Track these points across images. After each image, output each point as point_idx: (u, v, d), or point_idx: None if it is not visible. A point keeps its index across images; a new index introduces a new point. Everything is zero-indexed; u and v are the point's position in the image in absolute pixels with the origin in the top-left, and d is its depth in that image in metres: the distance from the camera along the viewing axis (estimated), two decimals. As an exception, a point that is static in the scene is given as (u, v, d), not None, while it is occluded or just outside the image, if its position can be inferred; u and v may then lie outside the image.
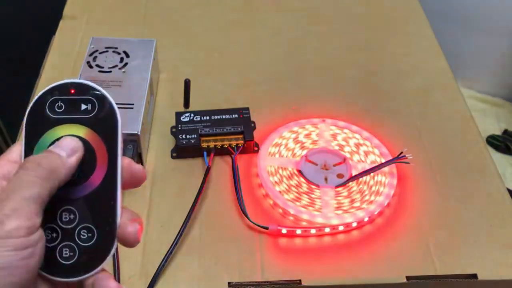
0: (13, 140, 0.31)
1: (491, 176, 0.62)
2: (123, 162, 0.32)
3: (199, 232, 0.56)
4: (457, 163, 0.64)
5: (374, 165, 0.60)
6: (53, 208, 0.31)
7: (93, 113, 0.33)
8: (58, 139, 0.32)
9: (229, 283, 0.51)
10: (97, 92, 0.33)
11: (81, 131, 0.32)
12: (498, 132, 1.30)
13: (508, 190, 0.61)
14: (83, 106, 0.33)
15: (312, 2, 0.88)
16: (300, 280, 0.51)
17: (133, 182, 0.33)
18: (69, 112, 0.32)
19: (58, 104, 0.32)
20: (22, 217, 0.28)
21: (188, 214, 0.56)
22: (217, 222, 0.57)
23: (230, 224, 0.57)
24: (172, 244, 0.54)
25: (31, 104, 0.32)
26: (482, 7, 1.24)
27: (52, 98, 0.32)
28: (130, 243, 0.32)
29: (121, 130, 0.32)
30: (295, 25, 0.84)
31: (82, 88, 0.33)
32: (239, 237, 0.55)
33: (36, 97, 0.32)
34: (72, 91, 0.33)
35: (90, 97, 0.33)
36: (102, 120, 0.32)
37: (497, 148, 1.25)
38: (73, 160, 0.31)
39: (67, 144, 0.31)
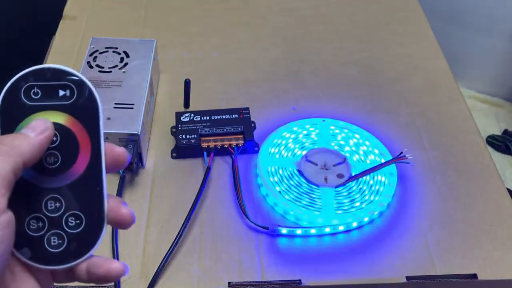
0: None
1: (491, 176, 0.62)
2: (105, 147, 0.32)
3: (199, 232, 0.56)
4: (457, 163, 0.64)
5: (374, 165, 0.60)
6: (37, 198, 0.31)
7: (72, 99, 0.31)
8: None
9: (229, 283, 0.51)
10: (75, 78, 0.32)
11: (61, 118, 0.31)
12: (498, 132, 1.29)
13: (508, 190, 0.61)
14: (61, 92, 0.31)
15: (312, 2, 0.88)
16: (300, 280, 0.52)
17: (116, 166, 0.32)
18: (47, 98, 0.31)
19: (34, 91, 0.31)
20: None
21: (188, 214, 0.56)
22: (217, 222, 0.57)
23: (230, 224, 0.57)
24: (172, 244, 0.54)
25: (4, 91, 0.31)
26: (482, 7, 1.24)
27: (27, 84, 0.31)
28: (125, 224, 0.31)
29: (103, 115, 0.32)
30: (295, 25, 0.84)
31: (58, 74, 0.32)
32: (239, 237, 0.55)
33: (9, 84, 0.31)
34: (48, 76, 0.31)
35: (68, 83, 0.32)
36: (82, 106, 0.31)
37: (497, 148, 1.25)
38: (40, 138, 0.30)
39: (35, 125, 0.30)
